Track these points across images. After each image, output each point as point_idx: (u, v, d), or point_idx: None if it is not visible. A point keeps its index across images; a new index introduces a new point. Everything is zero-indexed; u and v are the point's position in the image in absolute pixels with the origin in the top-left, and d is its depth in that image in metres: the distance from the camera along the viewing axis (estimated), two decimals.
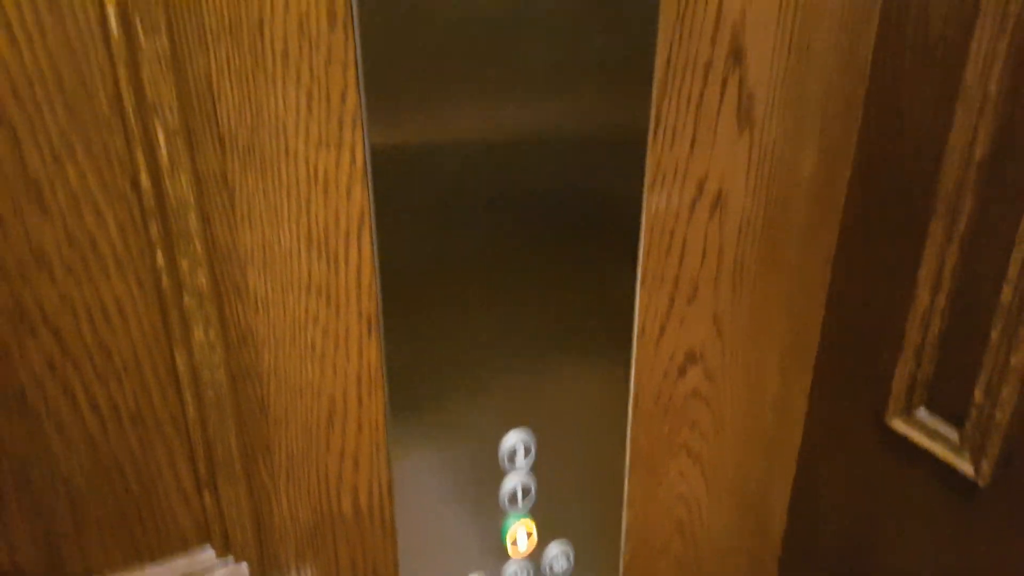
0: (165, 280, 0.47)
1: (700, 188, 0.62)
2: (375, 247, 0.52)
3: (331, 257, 0.51)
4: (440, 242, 0.53)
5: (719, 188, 0.63)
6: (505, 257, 0.56)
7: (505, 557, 0.65)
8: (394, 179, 0.51)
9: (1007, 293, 0.56)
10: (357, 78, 0.47)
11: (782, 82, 0.61)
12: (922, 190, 0.61)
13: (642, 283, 0.63)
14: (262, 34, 0.44)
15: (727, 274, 0.66)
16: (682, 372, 0.68)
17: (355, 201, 0.50)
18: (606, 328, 0.62)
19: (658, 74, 0.56)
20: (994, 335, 0.58)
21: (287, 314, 0.51)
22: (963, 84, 0.57)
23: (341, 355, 0.54)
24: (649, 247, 0.62)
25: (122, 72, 0.41)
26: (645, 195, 0.59)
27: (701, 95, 0.59)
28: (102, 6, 0.40)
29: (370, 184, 0.50)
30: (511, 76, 0.51)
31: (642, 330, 0.64)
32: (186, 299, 0.47)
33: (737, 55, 0.59)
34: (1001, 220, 0.57)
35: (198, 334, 0.48)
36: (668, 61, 0.56)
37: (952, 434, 0.64)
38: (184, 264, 0.47)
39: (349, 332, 0.53)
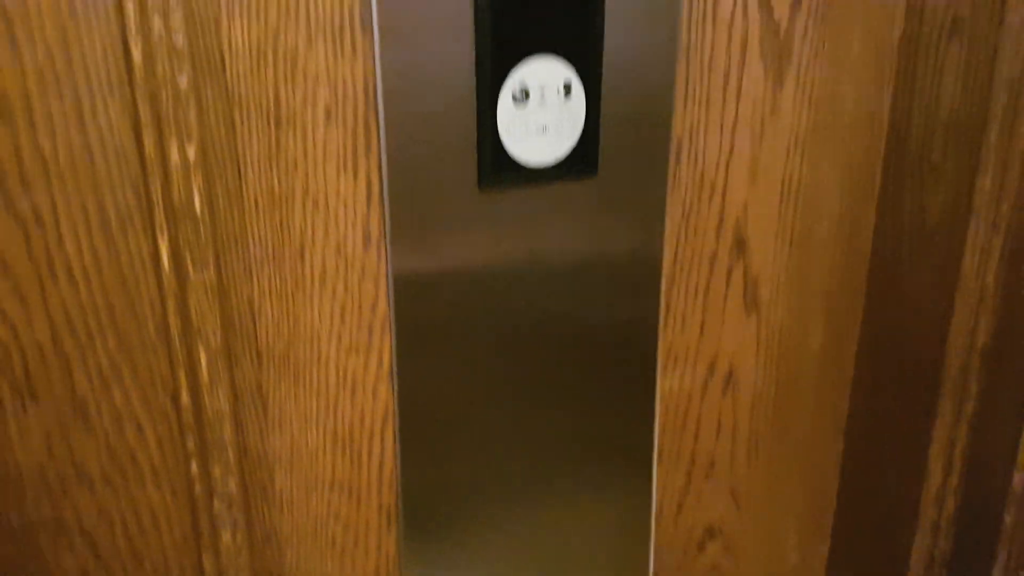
0: (198, 487, 0.48)
1: (711, 368, 0.64)
2: (398, 441, 0.54)
3: (355, 454, 0.53)
4: (460, 438, 0.55)
5: (730, 367, 0.65)
6: (526, 466, 0.58)
7: None
8: (418, 378, 0.53)
9: (1019, 481, 0.57)
10: (388, 290, 0.50)
11: (786, 268, 0.64)
12: (929, 370, 0.63)
13: (659, 461, 0.64)
14: (303, 258, 0.48)
15: (742, 449, 0.67)
16: (701, 547, 0.68)
17: (380, 400, 0.53)
18: (623, 507, 0.63)
19: (666, 268, 0.60)
20: (1007, 519, 0.58)
21: (310, 511, 0.53)
22: (961, 274, 0.60)
23: (360, 550, 0.54)
24: (664, 426, 0.64)
25: (171, 302, 0.44)
26: (658, 378, 0.62)
27: (708, 284, 0.62)
28: (155, 244, 0.44)
29: (395, 383, 0.53)
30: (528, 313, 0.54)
31: (660, 509, 0.65)
32: (216, 504, 0.49)
33: (741, 246, 0.62)
34: (1008, 406, 0.59)
35: (226, 538, 0.50)
36: (675, 256, 0.60)
37: None
38: (217, 471, 0.48)
39: (369, 525, 0.54)
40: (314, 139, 0.46)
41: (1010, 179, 0.56)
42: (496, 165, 0.51)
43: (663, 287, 0.60)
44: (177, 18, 0.40)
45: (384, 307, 0.51)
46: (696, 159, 0.58)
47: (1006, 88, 0.55)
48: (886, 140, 0.63)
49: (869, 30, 0.60)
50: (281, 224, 0.46)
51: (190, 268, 0.44)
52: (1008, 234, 0.57)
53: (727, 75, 0.57)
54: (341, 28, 0.45)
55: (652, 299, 0.60)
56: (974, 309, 0.59)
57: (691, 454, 0.65)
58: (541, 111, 0.52)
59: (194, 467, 0.48)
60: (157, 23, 0.40)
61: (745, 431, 0.67)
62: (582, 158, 0.54)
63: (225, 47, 0.42)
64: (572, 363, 0.58)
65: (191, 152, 0.42)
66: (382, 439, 0.53)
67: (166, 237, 0.43)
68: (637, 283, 0.59)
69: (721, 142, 0.58)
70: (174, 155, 0.42)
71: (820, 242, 0.65)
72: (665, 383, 0.63)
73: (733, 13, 0.56)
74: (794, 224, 0.63)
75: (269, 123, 0.45)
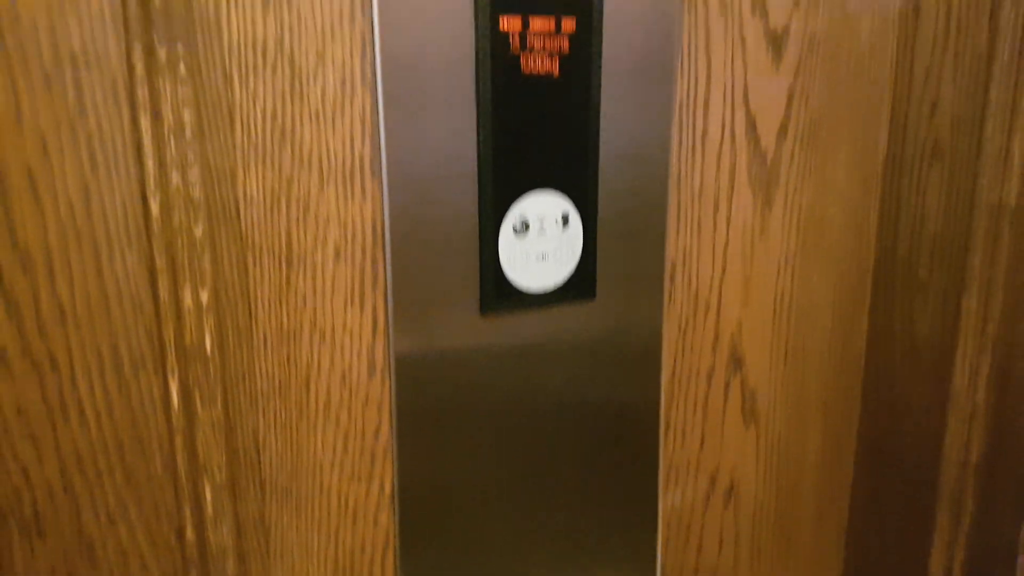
0: None
1: (713, 481, 0.65)
2: (399, 570, 0.54)
3: None
4: (462, 564, 0.55)
5: (731, 480, 0.65)
6: None
7: None
8: (419, 503, 0.53)
9: None
10: (391, 416, 0.51)
11: (782, 381, 0.65)
12: (926, 481, 0.64)
13: (662, 574, 0.64)
14: (308, 389, 0.49)
15: (745, 561, 0.67)
16: None
17: (381, 527, 0.53)
18: None
19: (665, 384, 0.61)
20: None
21: None
22: (952, 391, 0.61)
23: None
24: (667, 540, 0.64)
25: (178, 439, 0.45)
26: (660, 492, 0.62)
27: (706, 399, 0.63)
28: (166, 384, 0.45)
29: (396, 510, 0.53)
30: (531, 414, 0.55)
31: None
32: None
33: (737, 361, 0.63)
34: (1004, 522, 0.59)
35: None
36: (673, 372, 0.61)
37: None
38: None
39: None
40: (323, 276, 0.48)
41: (994, 302, 0.58)
42: (498, 293, 0.53)
43: (662, 403, 0.61)
44: (195, 172, 0.42)
45: (387, 434, 0.51)
46: (690, 280, 0.60)
47: (987, 213, 0.58)
48: (874, 256, 0.66)
49: (854, 153, 0.63)
50: (288, 358, 0.48)
51: (198, 406, 0.45)
52: (995, 354, 0.59)
53: (717, 201, 0.59)
54: (352, 173, 0.47)
55: (652, 415, 0.61)
56: (966, 426, 0.60)
57: (694, 568, 0.65)
58: (540, 240, 0.54)
59: None
60: (175, 177, 0.42)
61: (747, 543, 0.67)
62: (580, 283, 0.56)
63: (240, 196, 0.44)
64: (575, 481, 0.58)
65: (204, 296, 0.44)
66: (382, 567, 0.53)
67: (176, 377, 0.44)
68: (637, 400, 0.59)
69: (714, 263, 0.60)
70: (187, 300, 0.44)
71: (814, 354, 0.66)
72: (667, 497, 0.63)
73: (721, 143, 0.58)
74: (788, 338, 0.65)
75: (280, 264, 0.46)
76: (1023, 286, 0.57)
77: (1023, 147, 0.56)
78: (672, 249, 0.59)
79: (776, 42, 0.58)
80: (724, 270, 0.61)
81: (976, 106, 0.57)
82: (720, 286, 0.61)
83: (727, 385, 0.63)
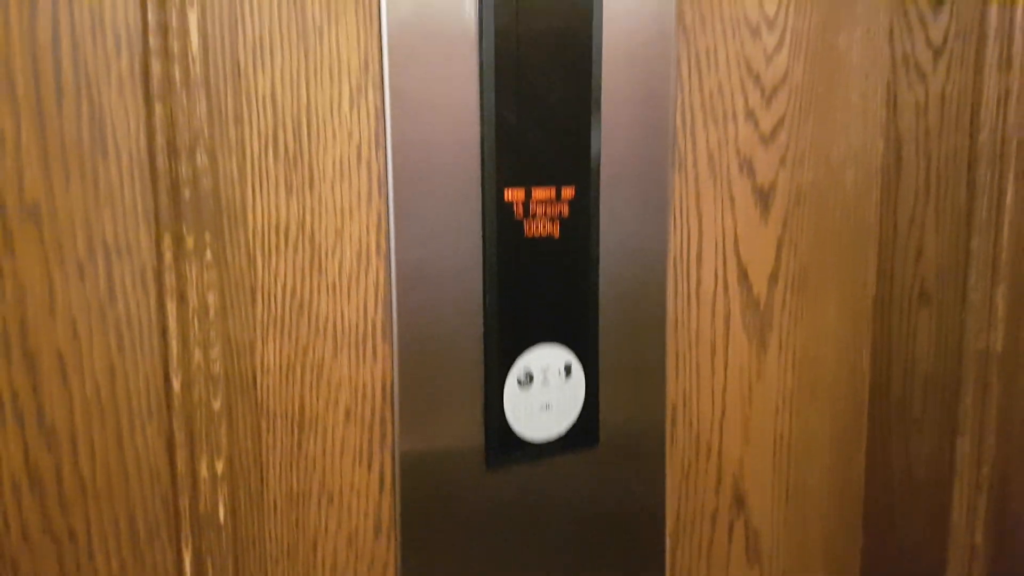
0: None
1: None
2: None
3: None
4: None
5: None
6: None
7: None
8: None
9: None
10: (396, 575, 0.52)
11: (784, 519, 0.66)
12: None
13: None
14: (315, 551, 0.49)
15: None
16: None
17: None
18: None
19: (669, 527, 0.61)
20: None
21: None
22: (951, 529, 0.62)
23: None
24: None
25: None
26: None
27: (711, 540, 0.63)
28: (179, 553, 0.45)
29: None
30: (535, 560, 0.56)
31: None
32: None
33: (740, 501, 0.64)
34: None
35: None
36: (678, 515, 0.62)
37: None
38: None
39: None
40: (333, 438, 0.49)
41: (987, 444, 0.60)
42: (503, 446, 0.54)
43: (667, 546, 0.61)
44: (216, 350, 0.44)
45: None
46: (691, 423, 0.61)
47: (976, 359, 0.60)
48: (869, 394, 0.67)
49: (844, 295, 0.66)
50: (297, 522, 0.48)
51: (210, 573, 0.46)
52: (991, 495, 0.60)
53: (714, 346, 0.61)
54: (365, 338, 0.49)
55: (657, 559, 0.61)
56: (966, 566, 0.61)
57: None
58: (544, 391, 0.56)
59: None
60: (198, 355, 0.44)
61: None
62: (584, 431, 0.57)
63: (258, 366, 0.46)
64: None
65: (219, 466, 0.45)
66: None
67: (190, 546, 0.45)
68: (642, 544, 0.60)
69: (713, 406, 0.62)
70: (203, 471, 0.45)
71: (815, 492, 0.67)
72: None
73: (715, 292, 0.61)
74: (789, 476, 0.66)
75: (293, 428, 0.48)
76: (1015, 430, 0.59)
77: (1007, 297, 0.59)
78: (672, 393, 0.60)
79: (763, 197, 0.61)
80: (724, 412, 0.62)
81: (959, 256, 0.60)
82: (721, 428, 0.62)
83: (731, 526, 0.64)
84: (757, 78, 0.59)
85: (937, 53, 0.59)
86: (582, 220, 0.55)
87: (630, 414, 0.59)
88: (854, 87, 0.63)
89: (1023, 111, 0.56)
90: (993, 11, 0.56)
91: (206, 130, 0.43)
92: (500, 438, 0.55)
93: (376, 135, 0.48)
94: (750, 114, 0.59)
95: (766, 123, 0.60)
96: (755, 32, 0.58)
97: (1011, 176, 0.57)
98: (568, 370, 0.56)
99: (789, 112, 0.61)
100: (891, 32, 0.62)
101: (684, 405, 0.61)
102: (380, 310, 0.50)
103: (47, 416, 0.42)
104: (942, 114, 0.60)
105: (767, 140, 0.60)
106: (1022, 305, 0.60)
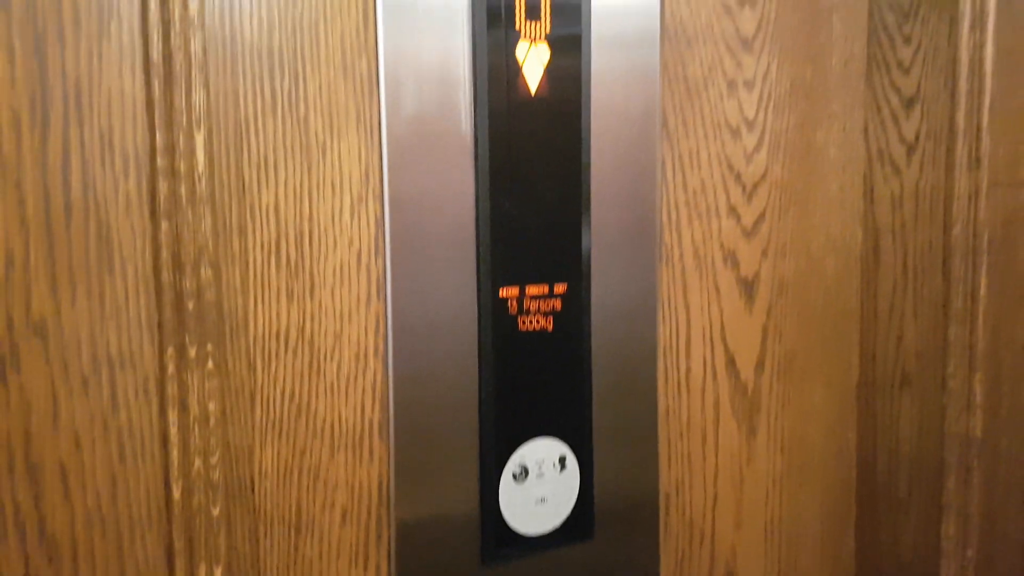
0: None
1: None
2: None
3: None
4: None
5: None
6: None
7: None
8: None
9: None
10: None
11: None
12: None
13: None
14: None
15: None
16: None
17: None
18: None
19: None
20: None
21: None
22: None
23: None
24: None
25: None
26: None
27: None
28: None
29: None
30: None
31: None
32: None
33: None
34: None
35: None
36: None
37: None
38: None
39: None
40: (330, 540, 0.49)
41: (972, 527, 0.61)
42: (498, 542, 0.55)
43: None
44: (216, 457, 0.45)
45: None
46: (684, 510, 0.62)
47: (957, 444, 0.61)
48: (857, 475, 0.68)
49: (829, 379, 0.67)
50: None
51: None
52: None
53: (704, 433, 0.63)
54: (361, 438, 0.50)
55: None
56: None
57: None
58: (539, 484, 0.56)
59: None
60: (197, 462, 0.45)
61: None
62: (578, 524, 0.58)
63: (256, 471, 0.47)
64: None
65: (218, 573, 0.45)
66: None
67: None
68: None
69: (705, 492, 0.63)
70: None
71: (806, 573, 0.67)
72: None
73: (704, 380, 0.62)
74: (780, 559, 0.66)
75: (290, 531, 0.48)
76: (999, 513, 0.60)
77: (984, 384, 0.60)
78: (665, 482, 0.61)
79: (748, 288, 0.63)
80: (716, 498, 0.63)
81: (937, 344, 0.62)
82: (713, 514, 0.63)
83: None
84: (738, 176, 0.61)
85: (910, 150, 0.62)
86: (574, 314, 0.57)
87: (625, 504, 0.60)
88: (832, 180, 0.66)
89: (993, 208, 0.59)
90: (961, 113, 0.59)
91: (210, 243, 0.45)
92: (495, 534, 0.55)
93: (376, 241, 0.49)
94: (732, 210, 0.61)
95: (748, 217, 0.62)
96: (735, 133, 0.61)
97: (984, 269, 0.59)
98: (563, 462, 0.57)
99: (770, 206, 0.63)
100: (866, 129, 0.65)
101: (677, 493, 0.62)
102: (377, 410, 0.50)
103: (48, 528, 0.42)
104: (917, 207, 0.62)
105: (749, 233, 0.62)
106: (999, 392, 0.61)
